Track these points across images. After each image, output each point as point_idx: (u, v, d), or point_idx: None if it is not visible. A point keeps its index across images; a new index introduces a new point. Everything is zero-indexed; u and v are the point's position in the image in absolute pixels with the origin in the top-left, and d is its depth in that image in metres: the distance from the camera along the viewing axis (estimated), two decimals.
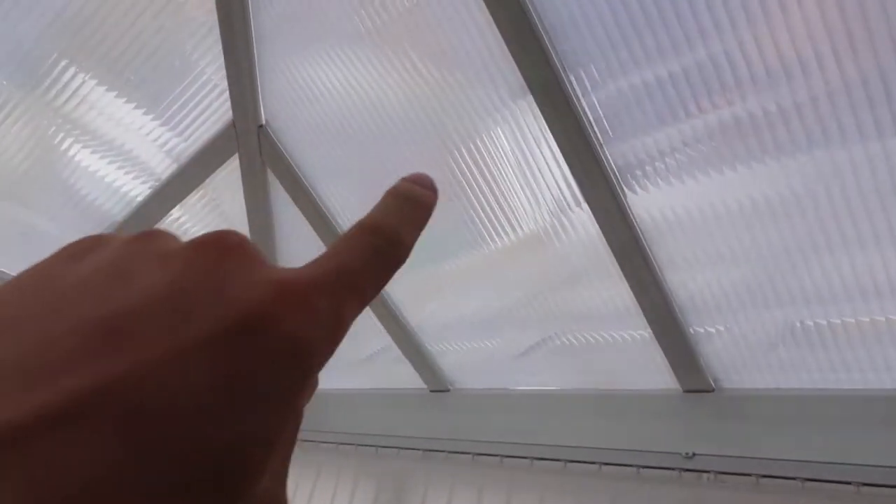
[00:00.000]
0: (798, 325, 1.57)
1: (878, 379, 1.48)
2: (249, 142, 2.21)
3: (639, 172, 1.58)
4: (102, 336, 0.19)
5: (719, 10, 1.33)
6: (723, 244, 1.57)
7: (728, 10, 1.33)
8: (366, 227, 0.26)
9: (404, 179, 0.29)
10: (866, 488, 1.41)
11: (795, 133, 1.36)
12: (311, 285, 0.22)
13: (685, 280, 1.67)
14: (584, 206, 1.70)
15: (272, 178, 2.31)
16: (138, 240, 0.23)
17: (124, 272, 0.21)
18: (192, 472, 0.18)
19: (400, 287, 2.34)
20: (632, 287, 1.73)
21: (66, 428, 0.17)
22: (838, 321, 1.50)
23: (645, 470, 1.88)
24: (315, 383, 0.24)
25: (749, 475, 1.65)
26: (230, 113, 2.16)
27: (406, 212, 0.27)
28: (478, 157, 1.84)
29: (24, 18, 1.90)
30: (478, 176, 1.87)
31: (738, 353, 1.71)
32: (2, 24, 1.91)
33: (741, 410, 1.73)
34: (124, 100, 2.10)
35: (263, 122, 2.18)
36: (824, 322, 1.52)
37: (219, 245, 0.22)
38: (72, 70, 2.03)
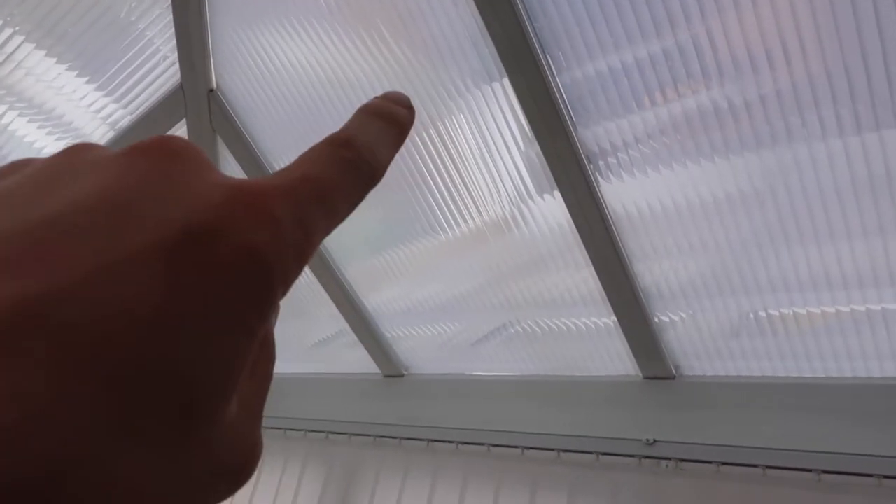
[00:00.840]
0: (759, 313, 1.58)
1: (837, 368, 1.51)
2: (199, 106, 2.08)
3: (611, 160, 1.55)
4: (21, 249, 0.16)
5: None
6: (688, 236, 1.56)
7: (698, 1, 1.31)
8: (336, 140, 0.23)
9: (377, 97, 0.26)
10: (827, 476, 1.43)
11: (759, 128, 1.36)
12: (273, 192, 0.19)
13: (651, 268, 1.66)
14: (554, 193, 1.66)
15: (222, 146, 2.19)
16: (64, 153, 0.20)
17: (49, 183, 0.19)
18: (134, 398, 0.16)
19: (356, 270, 2.27)
20: (598, 273, 1.71)
21: None
22: (798, 311, 1.52)
23: (605, 457, 1.87)
24: (277, 308, 0.21)
25: (710, 462, 1.65)
26: (176, 78, 2.03)
27: (380, 129, 0.25)
28: (441, 140, 1.78)
29: None
30: (441, 160, 1.82)
31: (700, 340, 1.71)
32: None
33: (702, 398, 1.73)
34: (65, 66, 1.94)
35: (214, 86, 2.05)
36: (784, 311, 1.54)
37: (161, 149, 0.20)
38: (6, 32, 1.85)
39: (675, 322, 1.72)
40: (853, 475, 1.43)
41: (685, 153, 1.46)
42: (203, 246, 0.18)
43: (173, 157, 0.20)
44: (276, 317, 0.23)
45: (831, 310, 1.48)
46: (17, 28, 1.84)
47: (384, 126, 0.25)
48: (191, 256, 0.17)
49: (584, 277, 1.77)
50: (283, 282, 0.19)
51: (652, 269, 1.66)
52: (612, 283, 1.70)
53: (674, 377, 1.79)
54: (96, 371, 0.15)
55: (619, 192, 1.58)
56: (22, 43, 1.86)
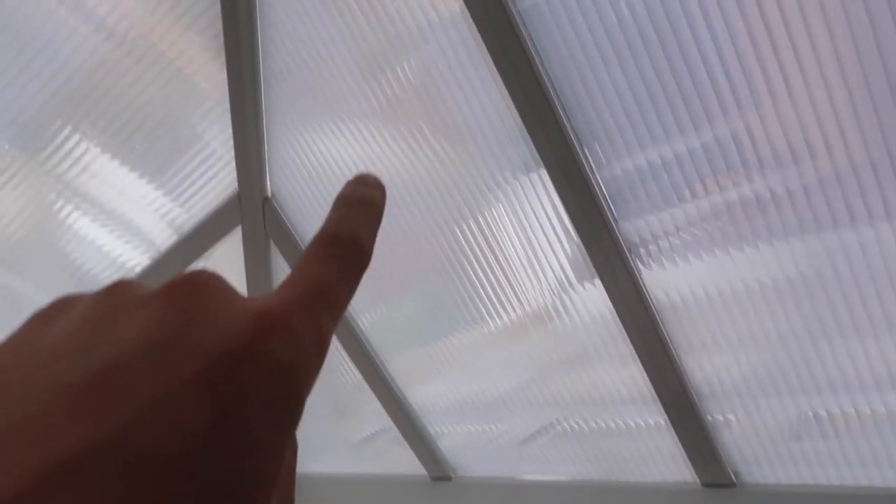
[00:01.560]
0: (819, 412, 1.48)
1: None
2: (254, 214, 2.18)
3: (652, 248, 1.53)
4: (87, 396, 0.19)
5: (725, 93, 1.32)
6: (737, 326, 1.50)
7: (735, 93, 1.32)
8: (325, 239, 0.26)
9: (349, 182, 0.29)
10: None
11: (802, 214, 1.33)
12: (288, 308, 0.22)
13: (701, 363, 1.59)
14: (595, 282, 1.64)
15: (275, 252, 2.27)
16: (107, 293, 0.23)
17: (98, 328, 0.21)
18: None
19: (399, 364, 2.25)
20: (645, 368, 1.64)
21: (67, 489, 0.17)
22: (862, 410, 1.41)
23: None
24: (296, 445, 0.25)
25: None
26: (235, 185, 2.14)
27: (359, 215, 0.27)
28: (482, 231, 1.80)
29: (30, 84, 1.90)
30: (481, 251, 1.83)
31: (759, 443, 1.60)
32: (8, 90, 1.91)
33: None
34: (127, 168, 2.08)
35: (269, 194, 2.15)
36: (847, 410, 1.43)
37: (190, 284, 0.22)
38: (75, 137, 2.01)
39: (730, 422, 1.62)
40: None
41: (727, 240, 1.43)
42: (238, 368, 0.20)
43: (201, 290, 0.22)
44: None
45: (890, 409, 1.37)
46: (88, 135, 1.99)
47: (363, 212, 0.27)
48: (229, 379, 0.20)
49: (631, 373, 1.71)
50: (307, 384, 0.22)
51: (702, 364, 1.59)
52: (660, 378, 1.63)
53: (734, 484, 1.67)
54: (166, 492, 0.18)
55: (661, 280, 1.55)
56: (90, 148, 2.02)
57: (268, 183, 2.13)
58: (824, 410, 1.47)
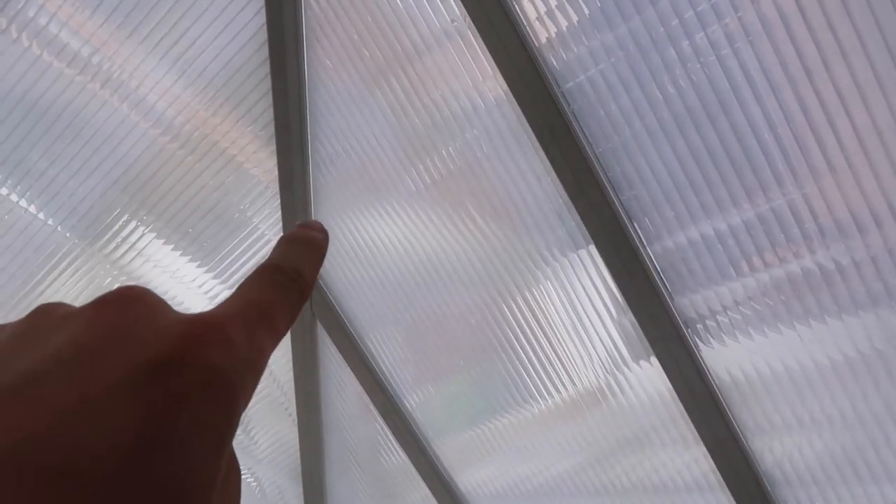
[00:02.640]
0: None
1: None
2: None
3: (711, 324, 1.48)
4: (7, 402, 0.18)
5: (779, 163, 1.30)
6: (808, 406, 1.42)
7: (789, 163, 1.29)
8: (267, 268, 0.27)
9: (298, 226, 0.31)
10: None
11: (872, 286, 1.27)
12: (225, 319, 0.22)
13: (771, 446, 1.50)
14: (651, 360, 1.59)
15: (322, 335, 2.27)
16: (32, 314, 0.23)
17: (24, 341, 0.21)
18: None
19: (449, 447, 2.18)
20: (709, 451, 1.55)
21: None
22: None
23: None
24: (238, 467, 0.24)
25: None
26: None
27: (301, 252, 0.29)
28: (530, 309, 1.77)
29: (92, 175, 1.99)
30: (530, 329, 1.80)
31: None
32: (72, 181, 2.00)
33: None
34: (179, 253, 2.13)
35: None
36: None
37: (121, 298, 0.22)
38: (132, 224, 2.08)
39: None
40: None
41: (792, 314, 1.37)
42: (170, 373, 0.20)
43: (134, 302, 0.22)
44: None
45: None
46: (144, 222, 2.06)
47: (304, 248, 0.29)
48: (160, 384, 0.19)
49: (694, 456, 1.62)
50: (244, 393, 0.22)
51: (772, 448, 1.50)
52: (726, 462, 1.54)
53: None
54: (90, 498, 0.17)
55: (722, 357, 1.49)
56: (145, 234, 2.08)
57: None
58: None
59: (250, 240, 2.11)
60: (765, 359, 1.43)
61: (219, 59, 1.79)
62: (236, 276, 2.17)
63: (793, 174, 1.31)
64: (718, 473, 1.57)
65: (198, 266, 2.16)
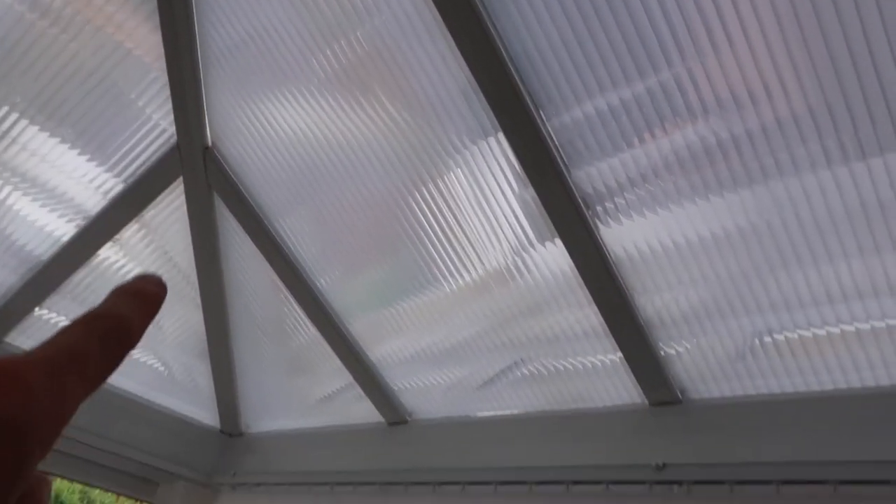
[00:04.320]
0: (763, 335, 1.64)
1: (845, 379, 1.57)
2: (195, 164, 2.10)
3: (609, 205, 1.62)
4: None
5: (668, 42, 1.40)
6: (689, 270, 1.62)
7: (677, 43, 1.39)
8: (89, 315, 0.27)
9: (134, 278, 0.31)
10: (844, 486, 1.46)
11: (749, 164, 1.42)
12: (26, 364, 0.22)
13: (652, 300, 1.72)
14: (555, 241, 1.72)
15: (219, 204, 2.21)
16: None
17: None
18: None
19: (361, 325, 2.28)
20: (600, 310, 1.76)
21: None
22: (801, 330, 1.58)
23: (615, 486, 1.87)
24: (47, 481, 0.25)
25: (722, 483, 1.66)
26: (172, 140, 2.05)
27: (129, 303, 0.29)
28: (441, 195, 1.83)
29: None
30: (441, 214, 1.87)
31: (706, 366, 1.76)
32: None
33: (710, 419, 1.77)
34: (64, 144, 1.96)
35: (210, 144, 2.08)
36: (788, 332, 1.60)
37: None
38: (7, 113, 1.87)
39: (678, 349, 1.78)
40: (870, 483, 1.44)
41: (680, 193, 1.53)
42: None
43: None
44: (46, 484, 0.26)
45: (835, 326, 1.53)
46: (16, 108, 1.85)
47: (134, 299, 0.29)
48: None
49: (586, 314, 1.83)
50: (39, 443, 0.21)
51: (654, 301, 1.72)
52: (614, 317, 1.75)
53: (680, 402, 1.83)
54: None
55: (619, 236, 1.64)
56: (18, 120, 1.88)
57: (208, 133, 2.07)
58: (768, 333, 1.63)
59: (142, 129, 1.97)
60: (656, 235, 1.61)
61: None
62: (130, 169, 2.03)
63: (680, 52, 1.41)
64: (605, 325, 1.79)
65: (88, 160, 1.99)
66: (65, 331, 0.26)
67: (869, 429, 1.50)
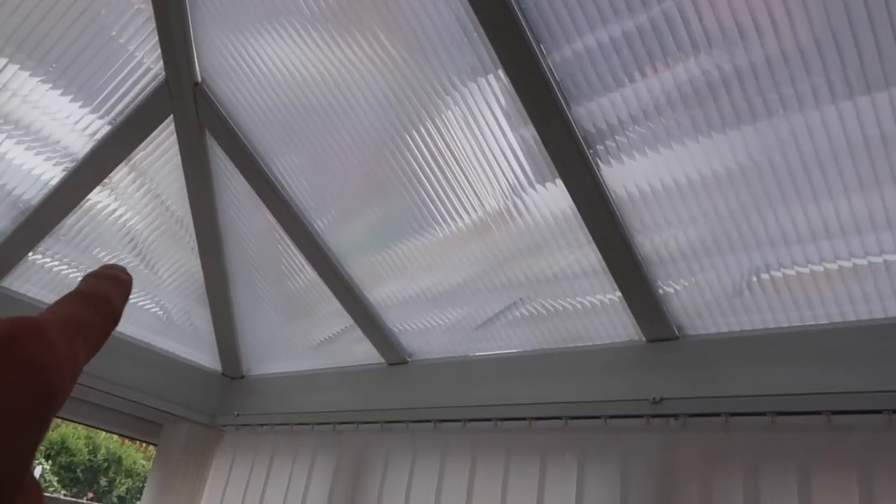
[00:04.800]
0: (760, 272, 1.64)
1: (840, 312, 1.58)
2: (184, 100, 2.05)
3: (610, 144, 1.59)
4: None
5: None
6: (689, 208, 1.61)
7: None
8: (79, 293, 0.30)
9: (102, 266, 0.34)
10: (837, 416, 1.49)
11: (752, 100, 1.39)
12: (45, 322, 0.24)
13: (651, 238, 1.71)
14: (556, 182, 1.70)
15: (210, 142, 2.17)
16: None
17: None
18: None
19: (360, 268, 2.28)
20: (599, 248, 1.75)
21: None
22: (799, 266, 1.58)
23: (612, 420, 1.90)
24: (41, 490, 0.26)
25: (718, 415, 1.69)
26: (159, 77, 2.00)
27: (108, 283, 0.32)
28: (440, 135, 1.80)
29: None
30: (440, 155, 1.83)
31: (703, 302, 1.77)
32: None
33: (706, 354, 1.79)
34: (54, 89, 1.91)
35: (199, 79, 2.03)
36: (785, 268, 1.60)
37: None
38: None
39: (676, 287, 1.78)
40: (862, 413, 1.46)
41: (682, 131, 1.50)
42: None
43: None
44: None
45: (832, 262, 1.53)
46: (4, 54, 1.80)
47: (111, 284, 0.32)
48: None
49: (585, 253, 1.82)
50: (62, 392, 0.23)
51: (652, 239, 1.71)
52: (613, 256, 1.75)
53: (677, 337, 1.85)
54: None
55: (619, 175, 1.62)
56: (6, 66, 1.82)
57: (197, 69, 2.01)
58: (765, 268, 1.63)
59: (127, 66, 1.91)
60: (657, 174, 1.58)
61: None
62: (117, 109, 1.98)
63: None
64: (604, 264, 1.79)
65: (72, 100, 1.94)
66: (62, 303, 0.28)
67: (863, 360, 1.52)
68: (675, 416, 1.79)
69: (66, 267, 2.45)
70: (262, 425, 2.82)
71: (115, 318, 0.30)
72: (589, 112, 1.58)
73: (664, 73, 1.47)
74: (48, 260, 2.42)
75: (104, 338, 0.29)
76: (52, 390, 0.22)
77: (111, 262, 0.35)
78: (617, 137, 1.58)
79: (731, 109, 1.42)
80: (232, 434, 2.98)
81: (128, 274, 0.34)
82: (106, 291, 0.31)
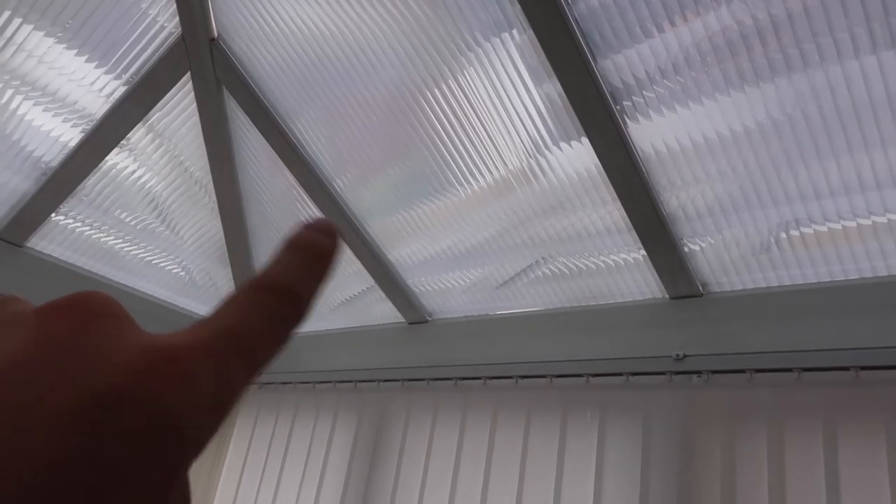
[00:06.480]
0: (788, 226, 1.62)
1: (871, 268, 1.55)
2: (201, 57, 2.03)
3: (637, 100, 1.55)
4: None
5: None
6: (717, 164, 1.58)
7: None
8: (258, 286, 0.23)
9: (306, 227, 0.26)
10: (864, 371, 1.47)
11: (787, 50, 1.35)
12: (190, 351, 0.20)
13: (677, 195, 1.68)
14: (581, 140, 1.67)
15: (228, 98, 2.15)
16: None
17: None
18: None
19: (380, 227, 2.27)
20: (624, 206, 1.73)
21: None
22: (829, 220, 1.55)
23: (634, 377, 1.89)
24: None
25: (742, 371, 1.68)
26: (176, 33, 1.97)
27: (305, 266, 0.25)
28: (459, 92, 1.76)
29: None
30: (463, 113, 1.80)
31: (729, 258, 1.75)
32: None
33: (731, 310, 1.77)
34: (69, 48, 1.89)
35: (216, 34, 2.00)
36: (815, 223, 1.57)
37: (78, 308, 0.20)
38: (8, 18, 1.79)
39: (701, 244, 1.76)
40: (891, 368, 1.45)
41: (713, 85, 1.45)
42: (112, 413, 0.17)
43: (91, 317, 0.20)
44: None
45: (864, 216, 1.50)
46: (6, 5, 1.77)
47: (308, 260, 0.25)
48: (99, 424, 0.17)
49: (609, 211, 1.80)
50: (196, 442, 0.19)
51: (678, 196, 1.68)
52: (638, 214, 1.72)
53: (701, 294, 1.84)
54: None
55: (647, 132, 1.58)
56: (11, 19, 1.80)
57: (214, 25, 1.99)
58: (794, 222, 1.60)
59: (142, 24, 1.88)
60: (686, 130, 1.54)
61: None
62: (132, 70, 1.96)
63: None
64: (629, 222, 1.77)
65: (87, 60, 1.91)
66: (229, 306, 0.22)
67: (892, 315, 1.50)
68: (699, 372, 1.79)
69: (88, 228, 2.46)
70: (284, 383, 2.86)
71: (300, 317, 0.24)
72: (616, 66, 1.54)
73: (695, 23, 1.42)
74: (70, 221, 2.44)
75: (276, 353, 0.23)
76: (185, 442, 0.18)
77: (317, 220, 0.26)
78: (645, 93, 1.54)
79: (765, 61, 1.38)
80: (255, 392, 3.03)
81: (335, 236, 0.26)
82: (294, 279, 0.24)
